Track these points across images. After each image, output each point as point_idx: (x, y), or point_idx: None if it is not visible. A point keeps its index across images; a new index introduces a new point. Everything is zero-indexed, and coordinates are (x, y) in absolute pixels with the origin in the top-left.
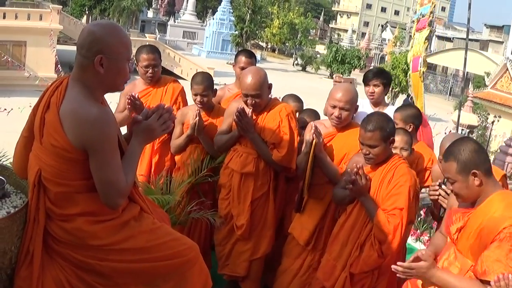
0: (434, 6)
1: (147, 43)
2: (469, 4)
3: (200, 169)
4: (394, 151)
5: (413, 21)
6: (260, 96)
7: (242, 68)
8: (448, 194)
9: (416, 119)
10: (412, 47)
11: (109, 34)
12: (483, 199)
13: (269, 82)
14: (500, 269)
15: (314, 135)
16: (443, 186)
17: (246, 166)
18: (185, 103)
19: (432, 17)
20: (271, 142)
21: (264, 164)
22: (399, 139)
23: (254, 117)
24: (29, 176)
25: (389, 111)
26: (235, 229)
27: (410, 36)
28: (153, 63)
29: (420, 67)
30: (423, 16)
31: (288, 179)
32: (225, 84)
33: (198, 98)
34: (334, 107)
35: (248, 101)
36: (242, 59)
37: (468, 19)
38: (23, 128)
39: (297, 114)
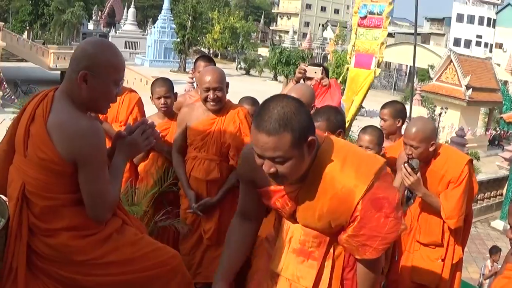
0: (392, 7)
1: None
2: (416, 5)
3: (164, 178)
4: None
5: (354, 13)
6: (222, 90)
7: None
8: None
9: (404, 113)
10: (354, 41)
11: (101, 52)
12: None
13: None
14: None
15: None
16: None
17: (210, 173)
18: (142, 113)
19: (389, 19)
20: (233, 146)
21: (227, 168)
22: (367, 139)
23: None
24: (10, 190)
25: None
26: (203, 235)
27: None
28: None
29: (374, 66)
30: (371, 13)
31: None
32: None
33: (162, 100)
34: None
35: (210, 95)
36: (201, 63)
37: (416, 16)
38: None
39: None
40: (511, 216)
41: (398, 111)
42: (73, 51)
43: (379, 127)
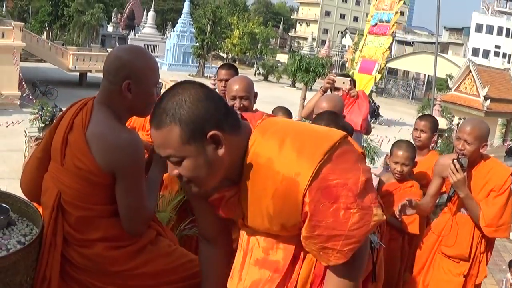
0: (402, 14)
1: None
2: (438, 11)
3: None
4: (393, 166)
5: (367, 22)
6: (248, 98)
7: (222, 81)
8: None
9: (438, 128)
10: (362, 47)
11: (136, 58)
12: None
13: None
14: None
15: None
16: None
17: None
18: None
19: (395, 28)
20: None
21: None
22: (400, 154)
23: None
24: (45, 198)
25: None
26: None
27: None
28: None
29: (376, 72)
30: (381, 21)
31: None
32: None
33: None
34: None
35: (236, 104)
36: (223, 72)
37: (437, 26)
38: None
39: None
40: None
41: (436, 125)
42: (92, 52)
43: (411, 139)
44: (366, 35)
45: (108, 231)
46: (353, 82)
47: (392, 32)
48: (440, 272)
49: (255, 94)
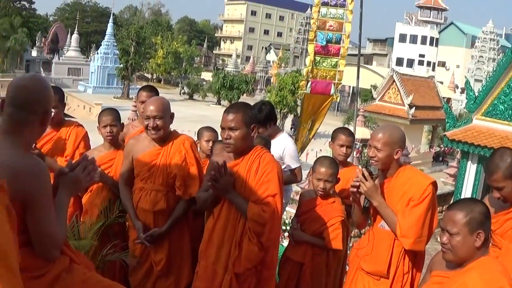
0: (348, 37)
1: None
2: (360, 23)
3: (108, 209)
4: (316, 183)
5: (310, 41)
6: (162, 118)
7: (143, 102)
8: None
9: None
10: (310, 67)
11: (49, 90)
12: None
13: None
14: None
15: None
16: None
17: (157, 204)
18: (88, 148)
19: (346, 49)
20: (179, 176)
21: (174, 199)
22: (323, 171)
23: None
24: None
25: (283, 138)
26: (153, 266)
27: (296, 56)
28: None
29: (334, 92)
30: (330, 42)
31: (196, 213)
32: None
33: (108, 129)
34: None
35: (150, 123)
36: (143, 93)
37: (360, 37)
38: None
39: (211, 143)
40: (444, 221)
41: (353, 139)
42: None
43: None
44: (312, 56)
45: (25, 260)
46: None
47: (345, 53)
48: None
49: (172, 115)
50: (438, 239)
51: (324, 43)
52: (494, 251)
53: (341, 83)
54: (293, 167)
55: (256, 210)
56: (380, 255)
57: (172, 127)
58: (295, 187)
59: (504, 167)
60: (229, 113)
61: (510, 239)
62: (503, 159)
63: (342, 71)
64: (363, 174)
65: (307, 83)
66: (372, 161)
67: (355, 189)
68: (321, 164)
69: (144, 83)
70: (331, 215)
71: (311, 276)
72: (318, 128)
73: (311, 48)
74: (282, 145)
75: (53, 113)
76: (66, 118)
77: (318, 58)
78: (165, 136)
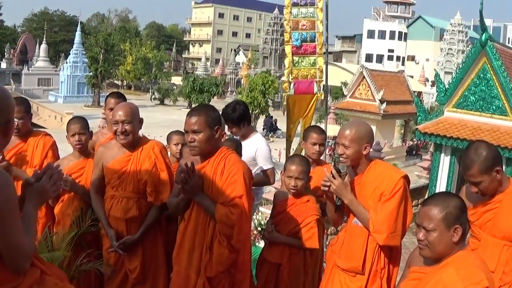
0: (321, 34)
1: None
2: (326, 21)
3: (81, 219)
4: (287, 181)
5: (286, 43)
6: (131, 123)
7: (112, 109)
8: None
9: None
10: (289, 68)
11: (7, 98)
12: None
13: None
14: None
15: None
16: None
17: (129, 211)
18: (56, 157)
19: (321, 47)
20: (150, 182)
21: (145, 206)
22: (294, 169)
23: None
24: None
25: (256, 138)
26: (129, 274)
27: (265, 57)
28: (18, 116)
29: (318, 90)
30: (305, 41)
31: (169, 218)
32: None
33: (76, 137)
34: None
35: (118, 128)
36: (112, 100)
37: (327, 35)
38: None
39: (180, 146)
40: (419, 217)
41: (325, 137)
42: None
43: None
44: (291, 57)
45: None
46: None
47: (321, 50)
48: (337, 287)
49: (140, 120)
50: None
51: (299, 43)
52: (473, 242)
53: (322, 80)
54: (265, 168)
55: (224, 212)
56: (354, 251)
57: (145, 133)
58: (269, 188)
59: (480, 161)
60: (191, 116)
61: (489, 231)
62: (477, 153)
63: (322, 68)
64: (331, 173)
65: (290, 85)
66: (341, 159)
67: (326, 188)
68: (292, 162)
69: (115, 90)
70: (306, 214)
71: (289, 277)
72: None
73: (288, 49)
74: (255, 146)
75: (20, 124)
76: (34, 129)
77: (296, 58)
78: (134, 142)
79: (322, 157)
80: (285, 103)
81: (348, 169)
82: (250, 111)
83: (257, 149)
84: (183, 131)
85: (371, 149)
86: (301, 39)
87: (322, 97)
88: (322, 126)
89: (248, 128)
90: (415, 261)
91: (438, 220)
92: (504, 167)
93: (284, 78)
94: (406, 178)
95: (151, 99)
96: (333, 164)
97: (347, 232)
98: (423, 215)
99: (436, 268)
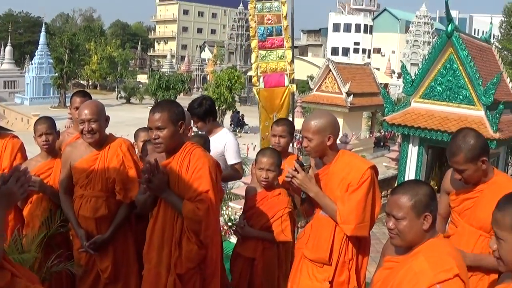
0: (286, 28)
1: None
2: (292, 15)
3: (50, 220)
4: (259, 173)
5: (252, 37)
6: (97, 121)
7: (77, 108)
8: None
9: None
10: (256, 63)
11: None
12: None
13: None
14: None
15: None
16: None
17: (98, 210)
18: (24, 159)
19: (288, 40)
20: (118, 180)
21: (115, 204)
22: (265, 161)
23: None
24: None
25: (224, 133)
26: (100, 274)
27: (231, 52)
28: None
29: (289, 83)
30: (271, 35)
31: (139, 216)
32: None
33: (44, 137)
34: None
35: (85, 127)
36: (77, 99)
37: (292, 29)
38: None
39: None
40: (389, 205)
41: (293, 127)
42: None
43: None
44: (257, 51)
45: None
46: None
47: (289, 43)
48: (305, 278)
49: (107, 118)
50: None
51: (265, 37)
52: (451, 228)
53: (293, 73)
54: (234, 162)
55: (191, 207)
56: (322, 242)
57: (112, 132)
58: (238, 183)
59: (467, 149)
60: (154, 113)
61: (467, 219)
62: (465, 141)
63: (291, 61)
64: (294, 167)
65: (259, 78)
66: (306, 151)
67: (289, 179)
68: (263, 154)
69: (80, 89)
70: (278, 207)
71: (263, 271)
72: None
73: (254, 43)
74: (223, 141)
75: None
76: (1, 131)
77: (263, 53)
78: (101, 140)
79: (290, 150)
80: (257, 97)
81: (316, 160)
82: (217, 107)
83: (226, 144)
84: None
85: (339, 142)
86: (266, 33)
87: (293, 90)
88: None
89: (214, 123)
90: (389, 250)
91: (407, 208)
92: None
93: (251, 73)
94: (373, 168)
95: (117, 98)
96: (296, 158)
97: (314, 223)
98: (392, 204)
99: (407, 256)
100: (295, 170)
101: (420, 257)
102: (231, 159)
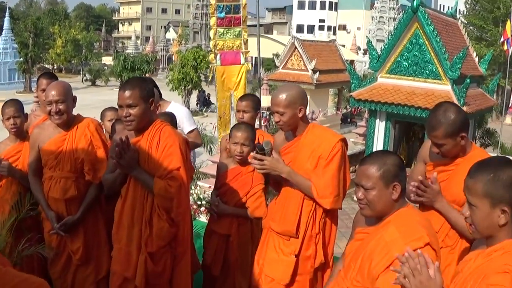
0: (244, 6)
1: None
2: None
3: (20, 203)
4: (233, 147)
5: (211, 15)
6: (65, 102)
7: (44, 90)
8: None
9: (260, 105)
10: (215, 40)
11: None
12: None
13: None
14: None
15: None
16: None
17: (67, 191)
18: None
19: (245, 19)
20: (87, 160)
21: (84, 185)
22: (239, 135)
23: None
24: None
25: (173, 106)
26: (72, 256)
27: (195, 32)
28: None
29: (244, 61)
30: (229, 13)
31: (108, 196)
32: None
33: (11, 121)
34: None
35: (52, 109)
36: (43, 81)
37: (257, 7)
38: None
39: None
40: (357, 176)
41: (258, 103)
42: None
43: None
44: (216, 28)
45: None
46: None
47: (245, 22)
48: (272, 251)
49: (74, 98)
50: (354, 198)
51: (223, 14)
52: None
53: (248, 51)
54: (190, 129)
55: (162, 185)
56: (289, 215)
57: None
58: (205, 162)
59: (447, 124)
60: (125, 91)
61: (441, 191)
62: (446, 115)
63: (247, 39)
64: (256, 157)
65: (216, 56)
66: (279, 126)
67: (257, 166)
68: (237, 128)
69: (46, 71)
70: (253, 183)
71: (238, 247)
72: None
73: (213, 21)
74: (176, 113)
75: None
76: None
77: (221, 30)
78: (69, 121)
79: (257, 127)
80: (214, 74)
81: (286, 134)
82: (183, 87)
83: (178, 116)
84: (115, 107)
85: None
86: (225, 11)
87: (250, 68)
88: None
89: (161, 101)
90: (359, 223)
91: (376, 178)
92: None
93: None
94: (343, 141)
95: (82, 81)
96: (254, 146)
97: (281, 196)
98: (361, 174)
99: (378, 227)
100: (259, 159)
101: (390, 227)
102: (187, 128)
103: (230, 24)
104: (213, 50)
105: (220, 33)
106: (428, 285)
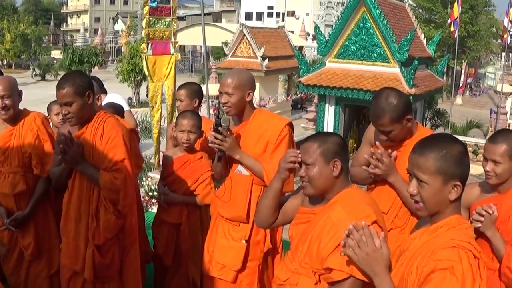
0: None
1: None
2: None
3: None
4: (180, 135)
5: (145, 3)
6: (11, 97)
7: None
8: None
9: (200, 94)
10: (147, 29)
11: None
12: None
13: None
14: None
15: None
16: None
17: (16, 186)
18: None
19: (175, 10)
20: (35, 155)
21: (33, 179)
22: (186, 123)
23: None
24: None
25: (109, 97)
26: (24, 251)
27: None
28: None
29: (174, 51)
30: (161, 2)
31: (57, 189)
32: None
33: None
34: None
35: None
36: None
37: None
38: None
39: (60, 116)
40: (300, 153)
41: (195, 91)
42: None
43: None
44: (148, 18)
45: None
46: None
47: (175, 13)
48: (222, 237)
49: (20, 92)
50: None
51: (155, 4)
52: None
53: (178, 42)
54: (127, 109)
55: (108, 177)
56: (238, 200)
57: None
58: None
59: (391, 110)
60: (60, 89)
61: None
62: (388, 102)
63: (176, 30)
64: (217, 138)
65: (148, 45)
66: (225, 107)
67: (214, 146)
68: (184, 116)
69: None
70: (202, 171)
71: (189, 235)
72: (175, 90)
73: (146, 9)
74: (112, 99)
75: None
76: None
77: (152, 20)
78: (15, 116)
79: (207, 116)
80: (145, 64)
81: (233, 119)
82: (133, 78)
83: (115, 99)
84: None
85: (256, 106)
86: (157, 0)
87: (178, 58)
88: (203, 86)
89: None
90: (304, 202)
91: (316, 154)
92: None
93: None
94: (290, 125)
95: (32, 76)
96: (214, 120)
97: (229, 182)
98: (303, 151)
99: (324, 208)
100: (221, 139)
101: (337, 207)
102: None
103: (161, 14)
104: (145, 39)
105: (151, 22)
106: (375, 256)
